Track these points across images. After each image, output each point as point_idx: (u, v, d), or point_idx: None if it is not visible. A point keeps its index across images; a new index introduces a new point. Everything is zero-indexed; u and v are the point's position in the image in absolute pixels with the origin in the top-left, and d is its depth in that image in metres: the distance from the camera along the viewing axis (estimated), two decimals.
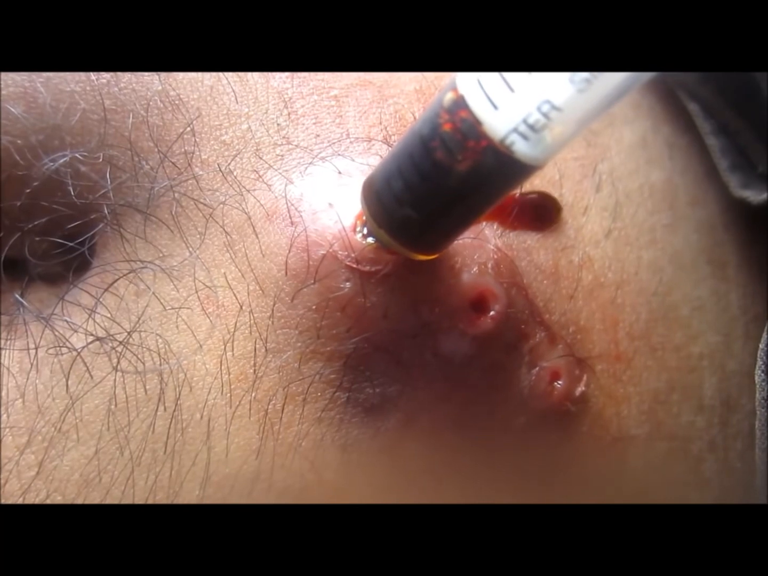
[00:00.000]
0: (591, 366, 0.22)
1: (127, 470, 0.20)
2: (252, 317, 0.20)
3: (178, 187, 0.21)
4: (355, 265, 0.20)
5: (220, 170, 0.21)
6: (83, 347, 0.20)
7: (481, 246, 0.21)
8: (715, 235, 0.24)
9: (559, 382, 0.22)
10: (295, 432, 0.20)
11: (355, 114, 0.22)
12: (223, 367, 0.20)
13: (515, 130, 0.15)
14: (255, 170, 0.21)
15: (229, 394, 0.20)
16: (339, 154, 0.21)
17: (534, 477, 0.22)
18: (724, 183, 0.24)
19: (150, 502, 0.20)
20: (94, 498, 0.20)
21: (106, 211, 0.21)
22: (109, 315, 0.20)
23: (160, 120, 0.21)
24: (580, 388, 0.22)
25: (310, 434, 0.20)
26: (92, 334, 0.20)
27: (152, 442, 0.20)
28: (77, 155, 0.21)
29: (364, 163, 0.21)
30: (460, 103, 0.16)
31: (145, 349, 0.20)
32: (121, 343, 0.20)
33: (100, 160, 0.21)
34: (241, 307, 0.20)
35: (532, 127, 0.15)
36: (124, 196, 0.21)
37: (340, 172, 0.21)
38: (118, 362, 0.20)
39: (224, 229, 0.21)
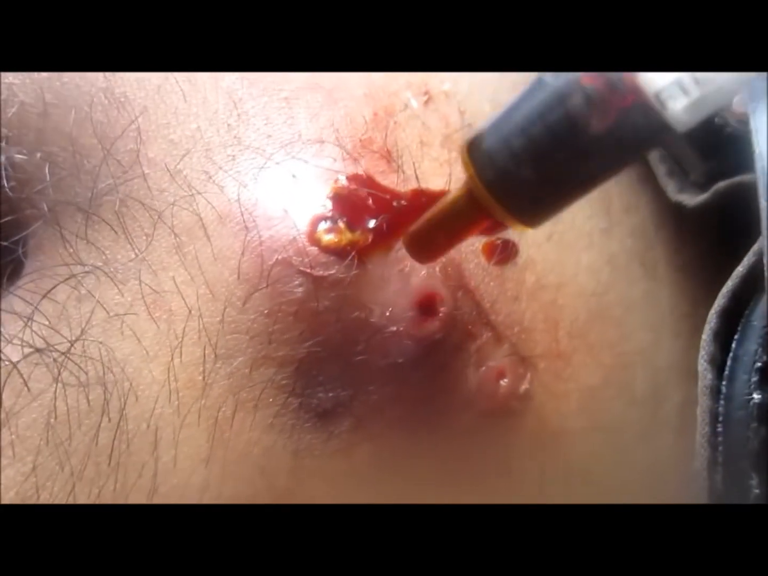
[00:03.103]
0: (534, 364, 0.22)
1: (68, 486, 0.18)
2: (201, 322, 0.19)
3: (122, 186, 0.19)
4: (308, 270, 0.19)
5: (168, 170, 0.19)
6: (18, 360, 0.18)
7: None
8: (647, 239, 0.24)
9: (505, 380, 0.21)
10: (246, 439, 0.19)
11: (306, 116, 0.21)
12: (170, 375, 0.19)
13: (678, 81, 0.13)
14: (205, 171, 0.19)
15: (177, 402, 0.19)
16: (293, 157, 0.20)
17: (481, 473, 0.21)
18: (656, 189, 0.24)
19: None
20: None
21: (45, 208, 0.19)
22: (47, 323, 0.18)
23: (104, 117, 0.19)
24: (524, 386, 0.21)
25: (261, 441, 0.19)
26: (30, 345, 0.18)
27: (95, 456, 0.18)
28: (11, 149, 0.19)
29: (318, 165, 0.20)
30: None
31: (87, 359, 0.18)
32: (63, 353, 0.18)
33: (38, 157, 0.19)
34: (190, 311, 0.19)
35: (696, 80, 0.13)
36: (63, 195, 0.19)
37: (294, 176, 0.19)
38: (59, 374, 0.18)
39: (173, 231, 0.19)
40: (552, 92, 0.14)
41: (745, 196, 0.20)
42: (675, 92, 0.14)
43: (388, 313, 0.19)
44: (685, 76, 0.14)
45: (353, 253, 0.19)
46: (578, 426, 0.22)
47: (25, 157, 0.19)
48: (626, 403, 0.23)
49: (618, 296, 0.23)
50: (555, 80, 0.15)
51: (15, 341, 0.18)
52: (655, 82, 0.14)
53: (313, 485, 0.20)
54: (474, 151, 0.16)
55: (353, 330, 0.19)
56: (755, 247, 0.21)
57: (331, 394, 0.19)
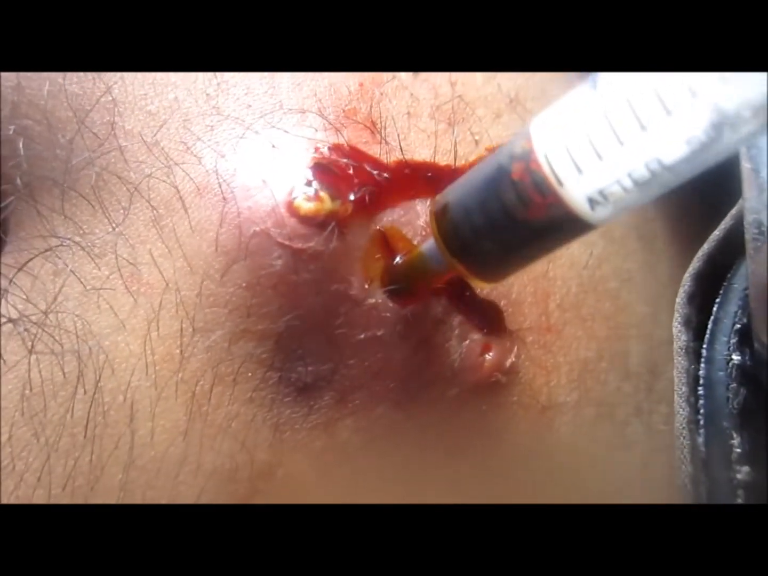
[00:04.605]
0: (522, 338, 0.21)
1: (43, 456, 0.18)
2: (179, 295, 0.18)
3: (99, 160, 0.18)
4: (287, 242, 0.18)
5: (145, 142, 0.18)
6: None
7: (411, 223, 0.20)
8: (646, 211, 0.23)
9: (490, 353, 0.20)
10: (225, 413, 0.18)
11: (288, 85, 0.20)
12: (147, 348, 0.18)
13: (600, 192, 0.14)
14: (183, 141, 0.19)
15: (154, 376, 0.18)
16: (273, 126, 0.19)
17: (467, 446, 0.21)
18: None
19: (68, 488, 0.18)
20: (8, 486, 0.18)
21: (19, 181, 0.18)
22: (24, 296, 0.18)
23: (79, 88, 0.19)
24: (510, 359, 0.21)
25: (240, 414, 0.19)
26: (4, 316, 0.18)
27: (71, 427, 0.18)
28: None
29: (298, 135, 0.19)
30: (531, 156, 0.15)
31: (62, 330, 0.18)
32: (36, 324, 0.18)
33: (11, 132, 0.18)
34: (167, 284, 0.18)
35: (606, 198, 0.14)
36: (39, 169, 0.19)
37: (273, 146, 0.19)
38: (32, 344, 0.18)
39: (150, 204, 0.18)
40: (504, 177, 0.15)
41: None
42: (601, 200, 0.14)
43: (369, 286, 0.19)
44: (613, 186, 0.14)
45: (332, 225, 0.18)
46: (569, 399, 0.21)
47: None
48: (620, 377, 0.22)
49: (613, 269, 0.22)
50: (509, 166, 0.16)
51: None
52: (578, 193, 0.14)
53: (295, 460, 0.19)
54: (441, 218, 0.17)
55: (333, 303, 0.18)
56: (733, 211, 0.20)
57: (311, 368, 0.19)
